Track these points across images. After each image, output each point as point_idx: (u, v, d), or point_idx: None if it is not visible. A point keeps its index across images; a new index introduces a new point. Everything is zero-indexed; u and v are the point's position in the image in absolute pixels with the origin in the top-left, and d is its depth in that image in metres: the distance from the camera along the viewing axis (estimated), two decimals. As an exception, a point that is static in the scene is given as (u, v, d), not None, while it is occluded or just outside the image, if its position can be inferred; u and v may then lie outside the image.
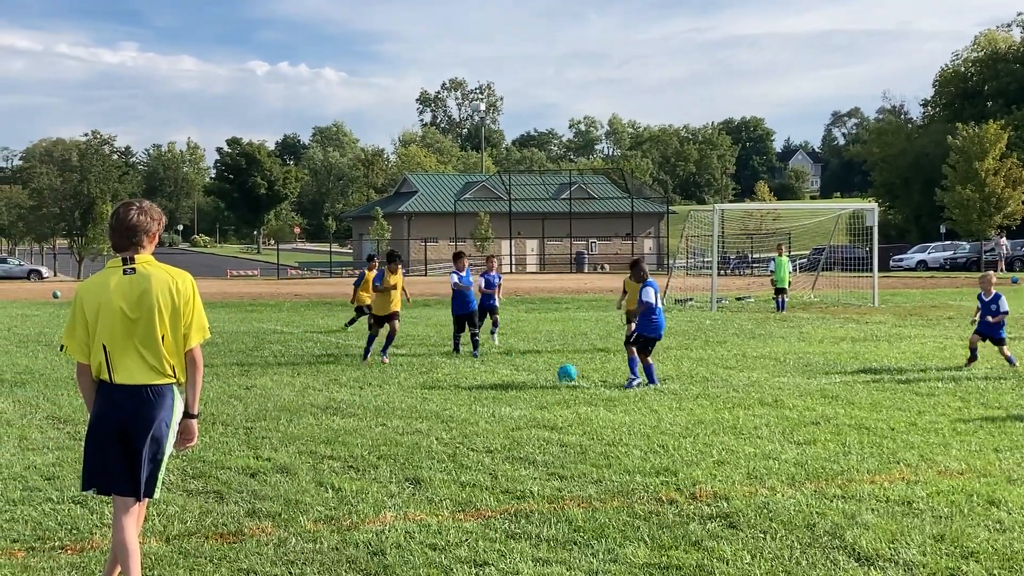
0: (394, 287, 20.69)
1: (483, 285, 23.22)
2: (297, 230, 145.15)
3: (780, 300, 33.86)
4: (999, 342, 18.48)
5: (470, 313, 21.54)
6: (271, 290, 54.94)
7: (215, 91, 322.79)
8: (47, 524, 8.44)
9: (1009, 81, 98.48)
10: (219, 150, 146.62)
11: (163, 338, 6.32)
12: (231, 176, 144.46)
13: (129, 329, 6.28)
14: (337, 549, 7.78)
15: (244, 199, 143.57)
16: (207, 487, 9.67)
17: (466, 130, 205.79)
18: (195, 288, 6.47)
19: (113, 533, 6.52)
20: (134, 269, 6.35)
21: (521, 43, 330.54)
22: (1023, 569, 7.08)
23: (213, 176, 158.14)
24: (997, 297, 18.77)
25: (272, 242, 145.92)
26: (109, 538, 8.01)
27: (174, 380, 6.39)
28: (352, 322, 27.60)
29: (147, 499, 6.47)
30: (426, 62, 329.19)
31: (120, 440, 6.31)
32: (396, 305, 20.69)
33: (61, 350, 6.62)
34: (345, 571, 7.27)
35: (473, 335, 21.22)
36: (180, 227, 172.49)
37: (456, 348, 21.59)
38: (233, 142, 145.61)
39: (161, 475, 6.45)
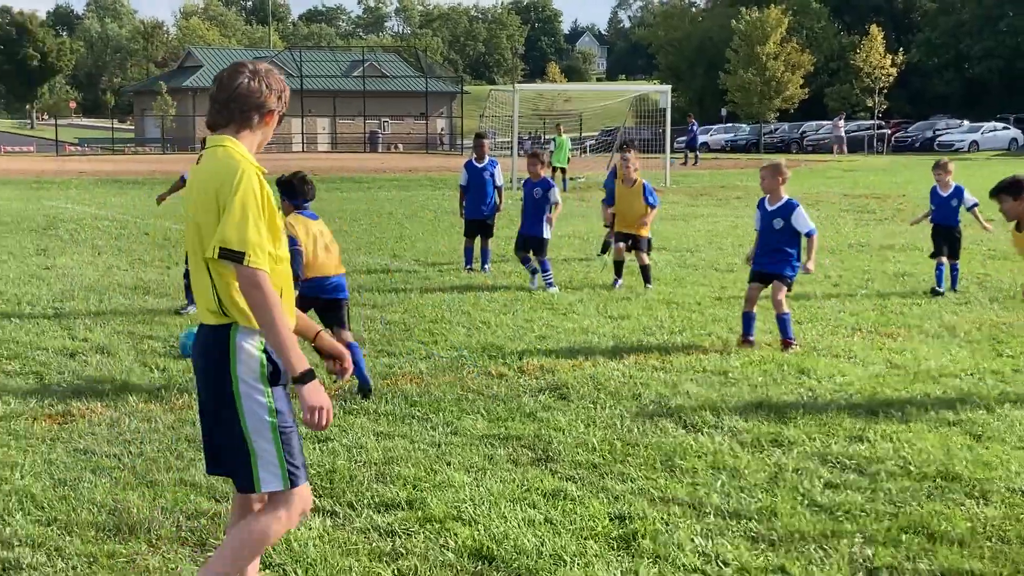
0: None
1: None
2: (73, 104, 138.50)
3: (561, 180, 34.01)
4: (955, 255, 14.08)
5: (481, 220, 16.07)
6: (53, 167, 52.45)
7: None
8: None
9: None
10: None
11: None
12: (0, 47, 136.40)
13: None
14: (173, 428, 7.71)
15: (16, 72, 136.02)
16: (25, 368, 9.39)
17: (250, 3, 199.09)
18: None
19: None
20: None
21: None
22: (839, 434, 7.56)
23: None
24: (959, 191, 14.23)
25: (47, 117, 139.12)
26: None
27: None
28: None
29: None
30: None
31: None
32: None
33: None
34: (185, 449, 7.22)
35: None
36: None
37: (468, 262, 16.02)
38: (2, 11, 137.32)
39: None
